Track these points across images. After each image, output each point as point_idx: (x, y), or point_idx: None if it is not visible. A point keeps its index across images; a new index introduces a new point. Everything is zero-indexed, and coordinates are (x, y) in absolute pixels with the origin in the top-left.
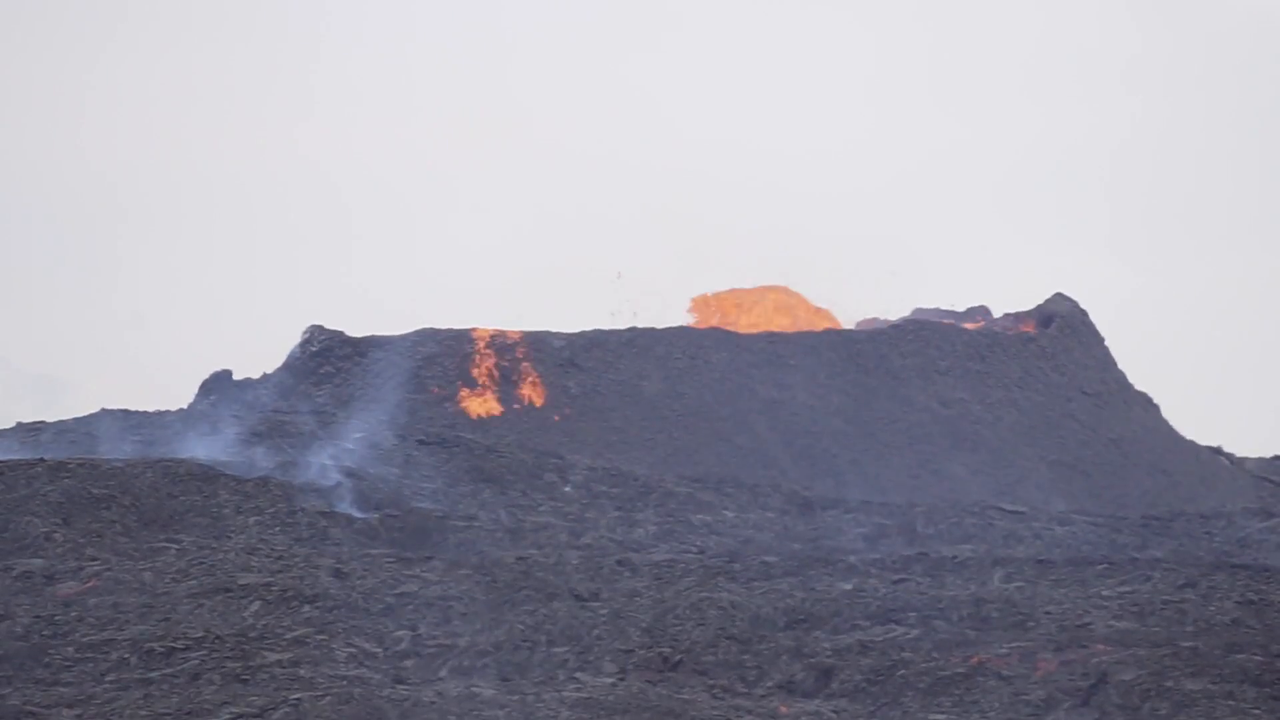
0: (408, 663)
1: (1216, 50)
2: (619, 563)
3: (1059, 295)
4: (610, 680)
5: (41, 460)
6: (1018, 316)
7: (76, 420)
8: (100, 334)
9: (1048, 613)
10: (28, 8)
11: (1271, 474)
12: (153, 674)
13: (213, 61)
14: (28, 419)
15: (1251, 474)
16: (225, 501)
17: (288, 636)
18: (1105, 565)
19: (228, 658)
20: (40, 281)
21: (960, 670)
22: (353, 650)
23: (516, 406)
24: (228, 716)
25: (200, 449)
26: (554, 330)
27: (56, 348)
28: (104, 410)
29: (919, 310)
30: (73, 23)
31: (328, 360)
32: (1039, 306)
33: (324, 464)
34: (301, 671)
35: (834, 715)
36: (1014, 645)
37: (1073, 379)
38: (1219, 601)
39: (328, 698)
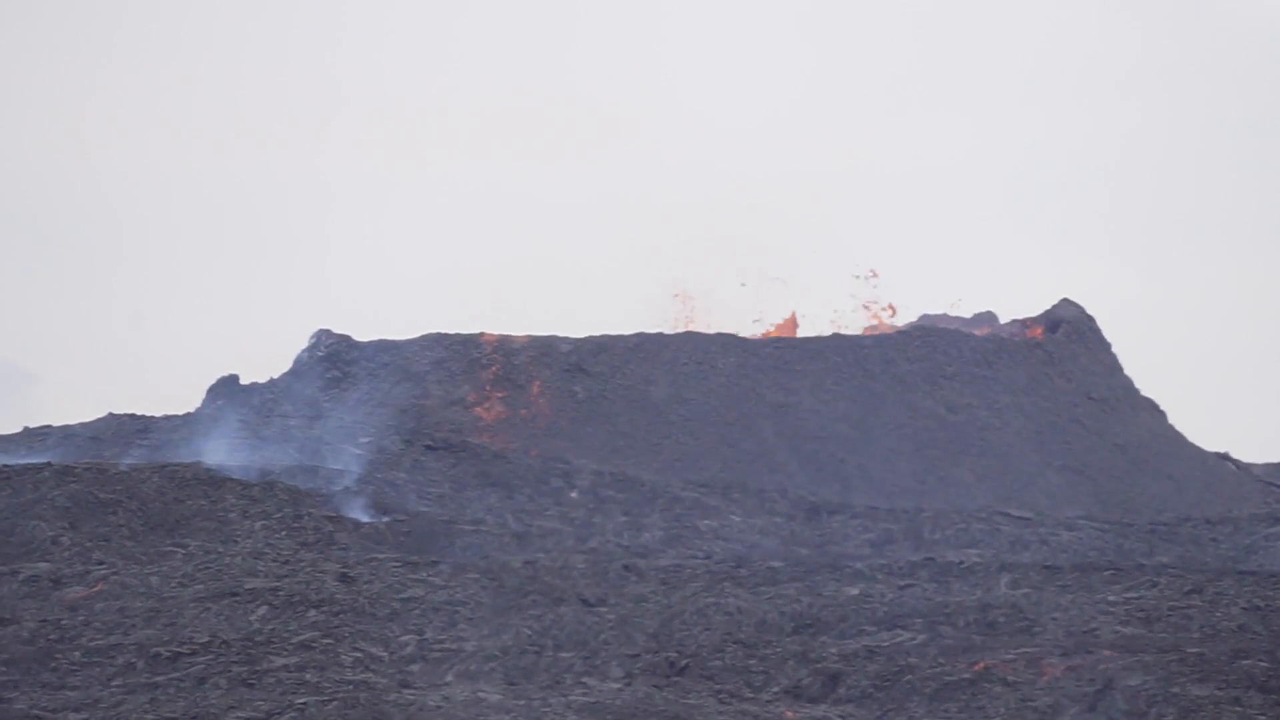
0: (414, 667)
1: (1223, 52)
2: (625, 568)
3: (1066, 301)
4: (617, 685)
5: (48, 464)
6: (1024, 322)
7: (83, 424)
8: (106, 337)
9: (1054, 618)
10: (28, 7)
11: (1278, 480)
12: (159, 678)
13: (219, 63)
14: (33, 423)
15: (1258, 480)
16: (232, 506)
17: (294, 641)
18: (1112, 571)
19: (234, 662)
20: (46, 284)
21: (966, 676)
22: (359, 654)
23: (523, 411)
24: None
25: (207, 453)
26: (561, 335)
27: (63, 351)
28: (111, 414)
29: (925, 316)
30: (73, 25)
31: (335, 364)
32: (1046, 312)
33: (331, 468)
34: (308, 676)
35: None
36: (1020, 651)
37: (1079, 385)
38: (1225, 607)
39: (334, 702)
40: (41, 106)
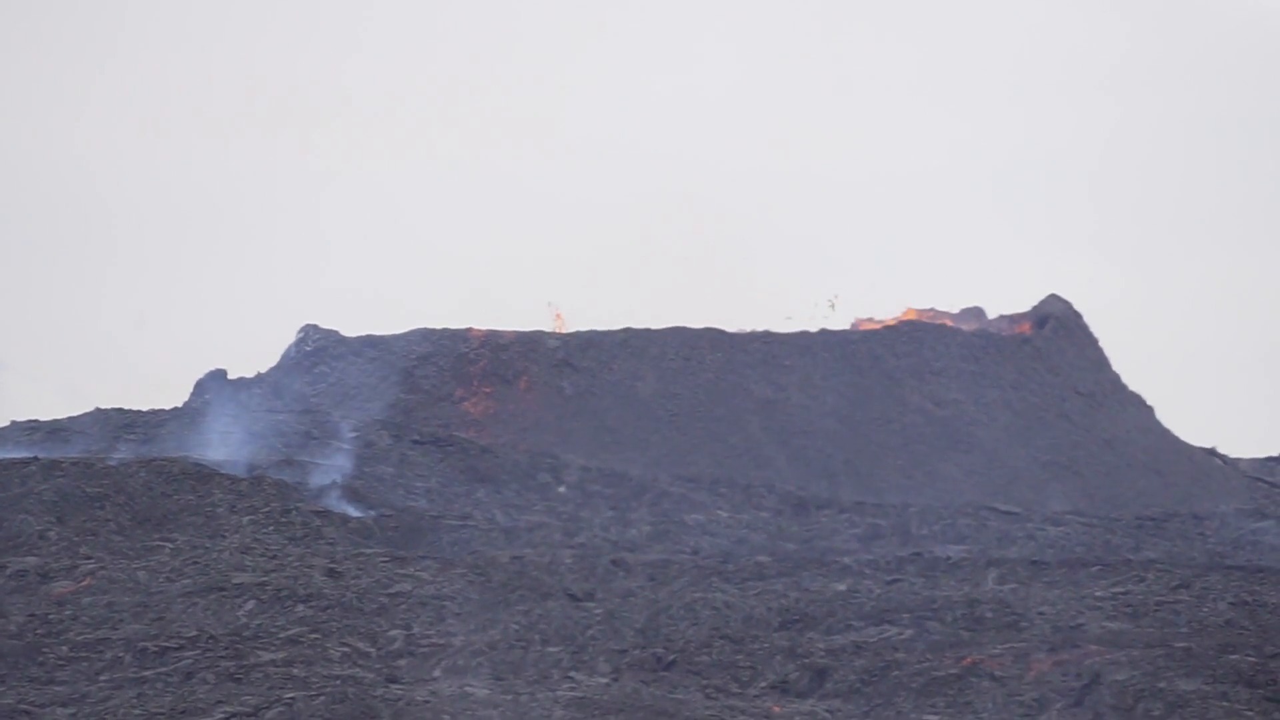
0: (401, 662)
1: (1208, 51)
2: (613, 563)
3: (1053, 296)
4: (604, 680)
5: (35, 459)
6: (1012, 318)
7: (70, 419)
8: (94, 332)
9: (1041, 613)
10: (27, 7)
11: (1265, 475)
12: (147, 673)
13: (206, 61)
14: (22, 418)
15: (1245, 475)
16: (219, 501)
17: (281, 635)
18: (1099, 566)
19: (222, 657)
20: (35, 281)
21: (953, 671)
22: (346, 649)
23: (511, 406)
24: (221, 715)
25: (194, 448)
26: (549, 330)
27: (52, 347)
28: (98, 409)
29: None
30: (71, 24)
31: (322, 359)
32: (1034, 308)
33: (318, 463)
34: (295, 670)
35: (828, 715)
36: (1007, 646)
37: (1067, 380)
38: (1212, 602)
39: (321, 697)
40: (31, 103)
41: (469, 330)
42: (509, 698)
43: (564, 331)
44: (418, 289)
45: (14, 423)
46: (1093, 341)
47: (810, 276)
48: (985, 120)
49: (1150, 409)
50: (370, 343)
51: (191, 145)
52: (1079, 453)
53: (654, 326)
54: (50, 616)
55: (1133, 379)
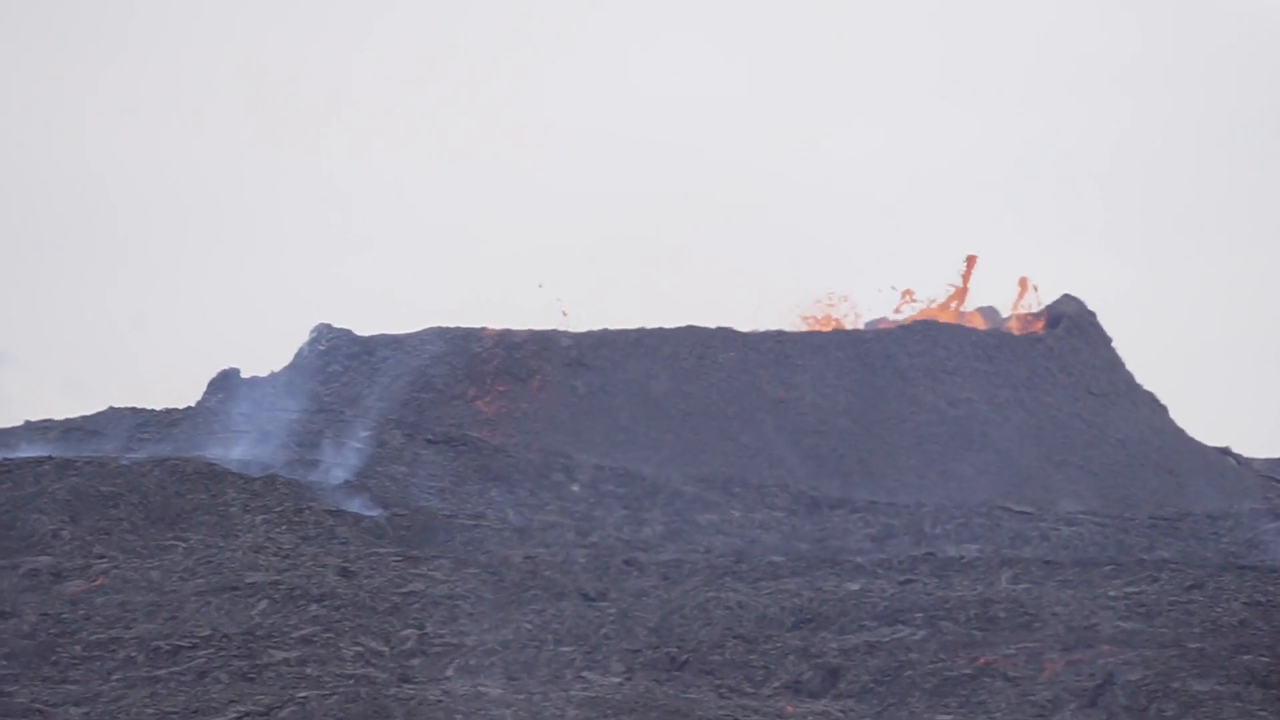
0: (414, 661)
1: (1221, 48)
2: (626, 562)
3: (1067, 296)
4: (617, 680)
5: (49, 458)
6: (1026, 317)
7: (84, 418)
8: (108, 332)
9: (1055, 613)
10: (29, 7)
11: (1279, 475)
12: (160, 672)
13: (215, 59)
14: (36, 417)
15: (1259, 475)
16: (233, 500)
17: (295, 635)
18: (1112, 566)
19: (235, 656)
20: (48, 279)
21: (967, 671)
22: (359, 649)
23: (524, 405)
24: (234, 715)
25: (208, 447)
26: (562, 329)
27: (65, 345)
28: (111, 408)
29: (926, 310)
30: (73, 23)
31: (335, 359)
32: (1047, 307)
33: (331, 462)
34: (308, 670)
35: (841, 715)
36: (1021, 646)
37: (1080, 379)
38: (1226, 602)
39: (334, 696)
40: (41, 102)
41: (482, 329)
42: (522, 697)
43: (568, 318)
44: (431, 288)
45: (27, 422)
46: (1106, 341)
47: (817, 275)
48: (997, 119)
49: (1164, 408)
50: (383, 341)
51: (202, 143)
52: (1092, 452)
53: (667, 326)
54: (63, 616)
55: (1146, 379)
